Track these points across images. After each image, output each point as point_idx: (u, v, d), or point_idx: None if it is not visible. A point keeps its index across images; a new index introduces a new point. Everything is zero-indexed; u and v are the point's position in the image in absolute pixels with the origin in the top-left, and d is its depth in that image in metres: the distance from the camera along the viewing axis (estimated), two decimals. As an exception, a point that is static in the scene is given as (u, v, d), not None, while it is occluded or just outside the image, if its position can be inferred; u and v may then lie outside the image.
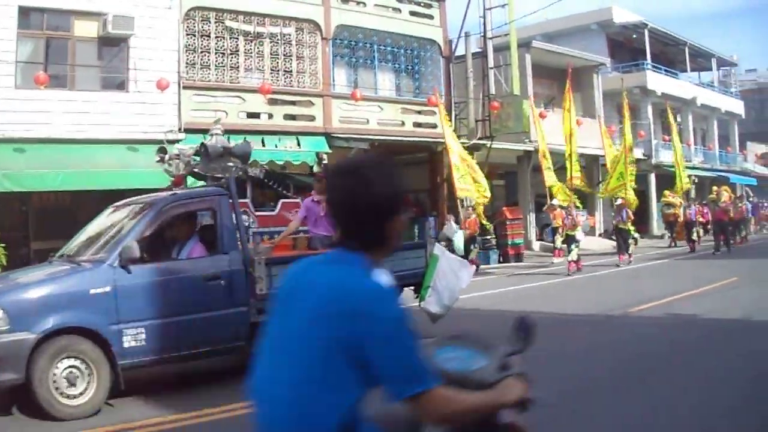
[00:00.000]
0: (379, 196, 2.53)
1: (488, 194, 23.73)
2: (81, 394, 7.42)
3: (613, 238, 34.71)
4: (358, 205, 2.53)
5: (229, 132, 21.34)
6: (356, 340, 2.36)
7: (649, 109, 41.85)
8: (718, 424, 6.50)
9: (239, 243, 8.92)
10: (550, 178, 24.86)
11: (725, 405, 7.02)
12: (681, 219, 30.36)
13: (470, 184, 22.90)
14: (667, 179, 36.60)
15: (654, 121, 42.18)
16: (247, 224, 12.01)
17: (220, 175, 10.29)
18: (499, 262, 26.06)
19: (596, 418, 6.81)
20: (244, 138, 21.40)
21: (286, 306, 2.57)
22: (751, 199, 41.85)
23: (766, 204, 43.65)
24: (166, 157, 11.18)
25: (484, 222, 24.54)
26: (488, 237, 26.75)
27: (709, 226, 30.78)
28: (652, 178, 40.49)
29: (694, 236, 28.93)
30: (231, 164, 10.70)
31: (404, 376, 2.38)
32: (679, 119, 40.22)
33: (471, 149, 27.16)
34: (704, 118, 51.34)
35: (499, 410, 2.66)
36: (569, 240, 22.12)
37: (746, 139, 60.20)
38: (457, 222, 24.04)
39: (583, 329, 11.88)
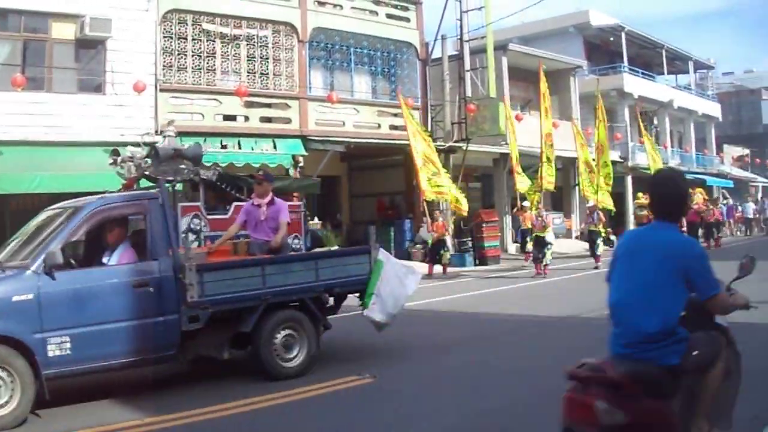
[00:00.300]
0: (683, 192, 4.77)
1: (464, 206, 23.86)
2: (5, 404, 7.21)
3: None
4: (674, 197, 4.67)
5: (205, 134, 22.03)
6: (684, 268, 4.40)
7: (626, 111, 42.42)
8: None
9: (170, 249, 8.58)
10: (521, 182, 25.14)
11: None
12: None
13: (445, 186, 23.26)
14: (644, 182, 37.02)
15: (631, 124, 42.67)
16: (198, 228, 12.23)
17: (171, 178, 10.28)
18: (475, 264, 26.31)
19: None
20: (221, 141, 22.05)
21: (635, 255, 4.58)
22: (725, 201, 42.32)
23: (740, 206, 43.92)
24: (119, 159, 11.09)
25: (457, 225, 24.85)
26: (464, 239, 27.03)
27: (683, 229, 30.75)
28: (629, 180, 40.92)
29: None
30: (183, 166, 10.76)
31: (707, 286, 4.46)
32: (655, 122, 40.69)
33: (447, 152, 27.59)
34: (681, 121, 52.05)
35: (735, 310, 4.72)
36: (539, 242, 21.97)
37: (723, 142, 60.89)
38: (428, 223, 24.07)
39: (561, 332, 12.24)
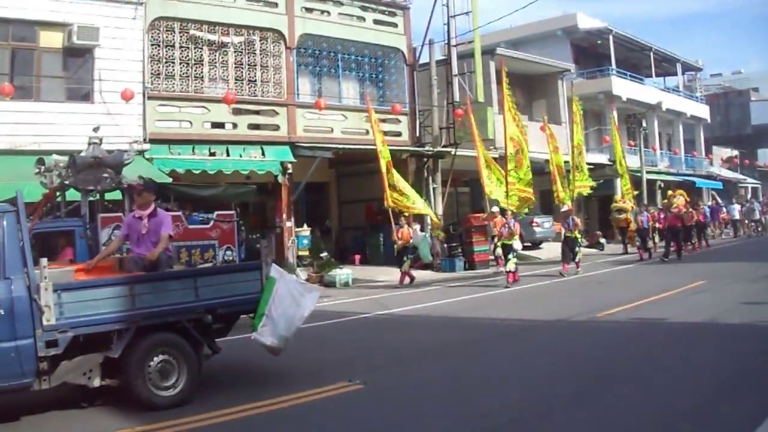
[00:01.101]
0: None
1: (438, 217, 24.23)
2: None
3: (582, 243, 35.87)
4: None
5: (194, 142, 22.40)
6: None
7: (615, 114, 42.71)
8: (682, 425, 7.03)
9: (25, 267, 7.74)
10: (489, 185, 24.49)
11: (689, 405, 7.65)
12: (632, 225, 30.06)
13: (410, 198, 23.20)
14: (632, 184, 37.33)
15: (619, 126, 43.05)
16: None
17: (92, 188, 9.99)
18: (465, 269, 26.57)
19: (560, 419, 7.37)
20: (209, 148, 22.37)
21: None
22: (709, 203, 42.44)
23: (725, 207, 44.02)
24: (43, 168, 10.76)
25: (436, 232, 24.73)
26: (454, 244, 27.27)
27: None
28: (618, 183, 41.14)
29: (650, 244, 28.55)
30: (106, 175, 10.62)
31: None
32: (644, 124, 40.98)
33: (435, 157, 27.94)
34: (670, 123, 52.69)
35: None
36: (506, 249, 21.50)
37: (712, 143, 61.63)
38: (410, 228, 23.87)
39: (546, 335, 12.54)
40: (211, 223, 13.60)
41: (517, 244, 21.64)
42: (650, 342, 11.28)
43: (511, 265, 21.01)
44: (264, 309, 8.97)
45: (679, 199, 29.96)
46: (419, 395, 8.65)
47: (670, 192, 32.55)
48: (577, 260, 23.41)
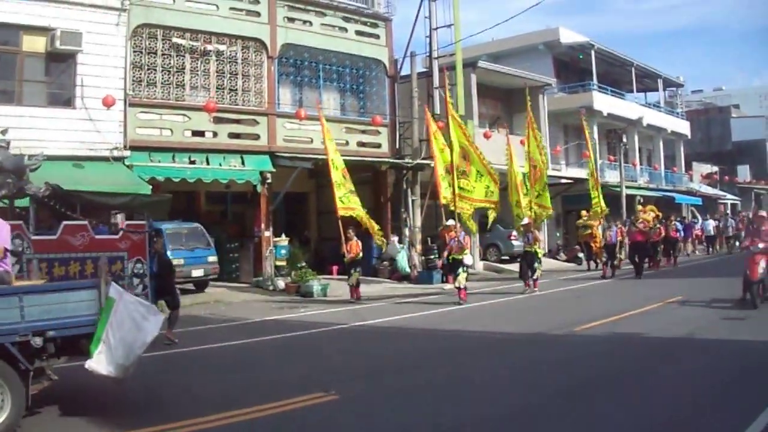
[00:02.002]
0: None
1: (376, 232, 23.11)
2: None
3: (559, 258, 36.29)
4: None
5: (174, 150, 22.83)
6: None
7: (595, 129, 43.36)
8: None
9: None
10: (445, 198, 23.28)
11: (668, 418, 7.98)
12: (598, 240, 28.94)
13: (355, 203, 22.64)
14: (612, 199, 37.80)
15: (600, 142, 43.69)
16: (20, 249, 11.04)
17: None
18: (443, 281, 26.69)
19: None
20: (189, 156, 22.68)
21: None
22: (680, 218, 42.04)
23: (699, 223, 44.13)
24: None
25: (380, 242, 24.04)
26: (432, 257, 27.60)
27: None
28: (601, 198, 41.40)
29: (616, 260, 27.78)
30: (9, 180, 10.49)
31: None
32: (624, 139, 41.49)
33: (415, 169, 28.38)
34: (650, 138, 53.60)
35: None
36: (456, 264, 20.86)
37: (692, 159, 62.69)
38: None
39: (524, 349, 12.88)
40: (120, 233, 13.21)
41: (467, 259, 21.07)
42: (627, 357, 11.65)
43: (461, 281, 20.35)
44: (101, 333, 8.23)
45: (649, 214, 30.19)
46: (393, 406, 8.85)
47: (639, 207, 32.89)
48: (534, 278, 22.84)
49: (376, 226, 23.10)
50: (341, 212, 22.02)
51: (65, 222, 12.10)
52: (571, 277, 27.61)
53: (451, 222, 22.17)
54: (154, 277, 13.47)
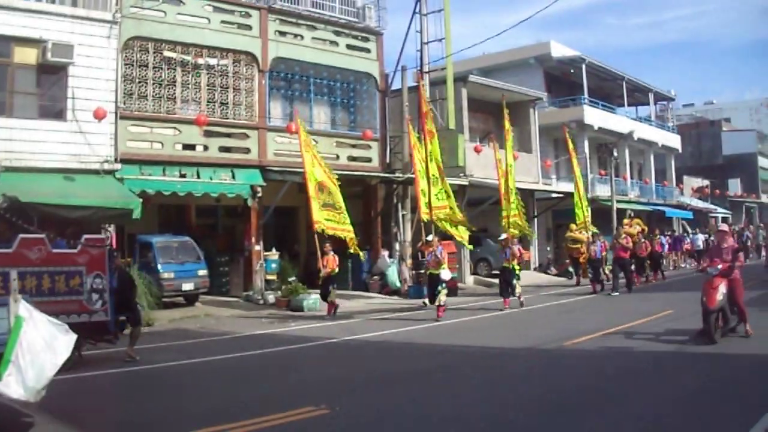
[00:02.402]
0: None
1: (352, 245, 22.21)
2: None
3: (550, 272, 36.45)
4: None
5: (164, 163, 22.98)
6: None
7: (586, 143, 43.77)
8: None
9: None
10: (425, 213, 22.49)
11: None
12: (585, 255, 28.73)
13: (328, 216, 21.68)
14: (603, 213, 37.99)
15: (591, 156, 43.98)
16: None
17: None
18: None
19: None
20: (180, 170, 22.84)
21: None
22: (668, 232, 41.94)
23: (689, 237, 44.17)
24: None
25: (355, 250, 22.69)
26: (422, 271, 27.54)
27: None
28: (589, 212, 41.54)
29: (602, 275, 26.97)
30: None
31: None
32: (615, 153, 41.74)
33: (405, 183, 28.53)
34: (641, 152, 54.00)
35: None
36: (433, 280, 20.80)
37: (683, 173, 63.15)
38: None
39: (514, 363, 13.03)
40: (79, 247, 12.80)
41: (445, 274, 20.79)
42: (619, 370, 11.72)
43: (441, 298, 20.17)
44: (10, 355, 7.77)
45: (635, 228, 29.93)
46: (382, 421, 8.94)
47: (626, 220, 32.28)
48: (517, 294, 22.31)
49: (350, 235, 22.14)
50: (319, 226, 21.18)
51: (21, 235, 11.93)
52: (558, 292, 27.49)
53: (430, 237, 21.93)
54: (114, 292, 13.37)
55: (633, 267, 28.22)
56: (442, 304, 20.15)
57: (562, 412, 9.07)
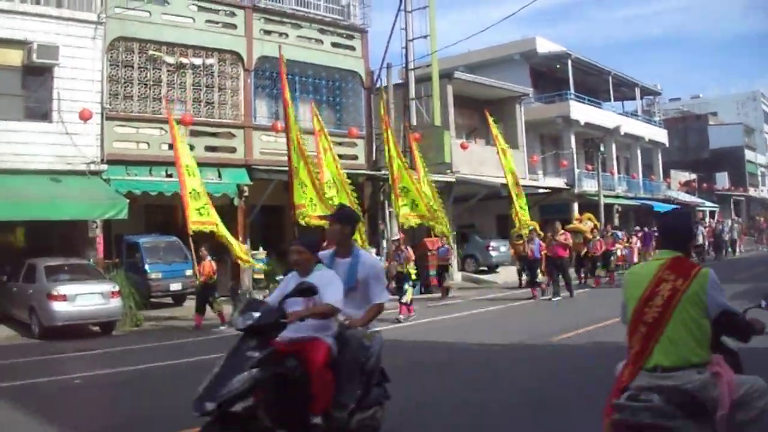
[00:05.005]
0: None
1: (243, 255, 21.25)
2: None
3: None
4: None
5: (151, 163, 23.13)
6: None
7: (572, 138, 44.20)
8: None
9: None
10: (402, 211, 22.52)
11: None
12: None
13: (214, 216, 20.15)
14: (590, 208, 38.16)
15: (577, 151, 44.32)
16: None
17: None
18: (422, 293, 26.93)
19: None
20: (166, 170, 23.04)
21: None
22: (636, 227, 41.19)
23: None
24: None
25: (244, 264, 22.36)
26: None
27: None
28: (575, 207, 42.00)
29: (540, 277, 24.53)
30: None
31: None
32: (602, 148, 42.05)
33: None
34: (628, 147, 54.49)
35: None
36: (400, 278, 20.21)
37: (670, 167, 63.76)
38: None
39: (503, 358, 13.10)
40: None
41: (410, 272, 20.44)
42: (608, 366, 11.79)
43: (408, 296, 19.54)
44: None
45: (586, 224, 29.15)
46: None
47: (577, 216, 31.77)
48: (405, 301, 19.78)
49: (237, 243, 20.91)
50: (192, 227, 19.23)
51: None
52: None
53: (397, 236, 21.80)
54: None
55: (581, 267, 27.74)
56: (407, 302, 19.58)
57: (553, 407, 9.18)
